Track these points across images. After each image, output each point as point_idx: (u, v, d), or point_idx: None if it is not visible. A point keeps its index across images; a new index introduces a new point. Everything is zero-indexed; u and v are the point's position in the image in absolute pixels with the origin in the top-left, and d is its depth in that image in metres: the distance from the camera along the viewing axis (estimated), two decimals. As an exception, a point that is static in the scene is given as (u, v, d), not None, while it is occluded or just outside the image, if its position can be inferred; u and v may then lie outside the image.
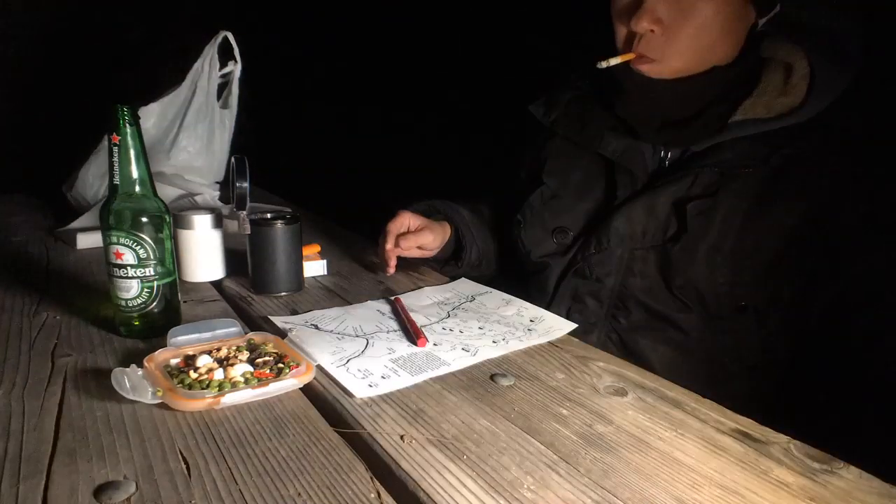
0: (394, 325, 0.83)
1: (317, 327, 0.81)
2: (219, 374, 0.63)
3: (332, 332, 0.80)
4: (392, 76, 2.79)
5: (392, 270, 1.02)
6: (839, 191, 0.78)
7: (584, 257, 0.95)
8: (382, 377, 0.67)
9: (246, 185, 0.96)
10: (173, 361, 0.67)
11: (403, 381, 0.66)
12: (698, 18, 0.80)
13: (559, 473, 0.51)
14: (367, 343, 0.76)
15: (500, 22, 1.92)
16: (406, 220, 1.02)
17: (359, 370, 0.69)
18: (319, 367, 0.69)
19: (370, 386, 0.65)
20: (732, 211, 0.83)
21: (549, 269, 1.00)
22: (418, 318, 0.84)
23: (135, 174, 0.73)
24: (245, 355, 0.68)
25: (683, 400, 0.64)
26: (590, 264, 0.95)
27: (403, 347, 0.75)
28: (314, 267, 1.05)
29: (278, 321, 0.83)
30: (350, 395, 0.64)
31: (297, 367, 0.66)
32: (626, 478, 0.51)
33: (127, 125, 0.71)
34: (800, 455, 0.54)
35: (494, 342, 0.77)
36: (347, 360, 0.71)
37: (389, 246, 1.00)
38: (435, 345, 0.76)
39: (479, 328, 0.82)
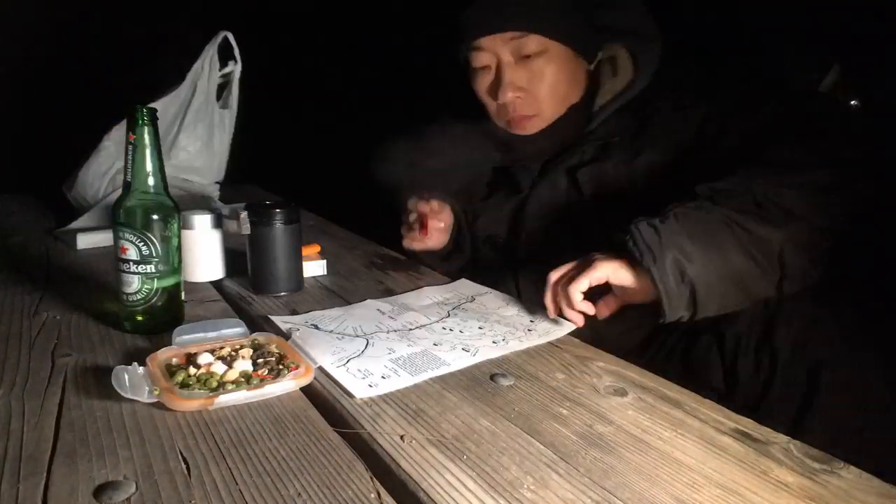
0: (394, 324, 0.82)
1: (317, 327, 0.81)
2: (218, 369, 0.64)
3: (331, 332, 0.80)
4: (393, 75, 2.79)
5: (427, 235, 1.10)
6: (689, 122, 0.95)
7: (512, 249, 1.10)
8: (382, 377, 0.67)
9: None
10: (175, 360, 0.67)
11: (403, 380, 0.66)
12: (548, 78, 1.00)
13: (559, 473, 0.51)
14: (367, 343, 0.76)
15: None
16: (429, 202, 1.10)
17: (359, 370, 0.69)
18: (320, 369, 0.69)
19: (370, 386, 0.65)
20: (617, 169, 0.99)
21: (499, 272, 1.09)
22: (418, 318, 0.84)
23: (148, 172, 0.75)
24: (248, 353, 0.68)
25: (683, 400, 0.64)
26: (517, 254, 1.08)
27: (403, 347, 0.75)
28: (314, 267, 1.05)
29: (279, 321, 0.83)
30: (350, 395, 0.64)
31: (296, 368, 0.66)
32: (626, 478, 0.51)
33: (144, 125, 0.74)
34: (800, 455, 0.54)
35: (494, 342, 0.77)
36: (347, 360, 0.71)
37: (425, 208, 1.09)
38: (435, 344, 0.76)
39: (479, 328, 0.82)
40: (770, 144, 0.82)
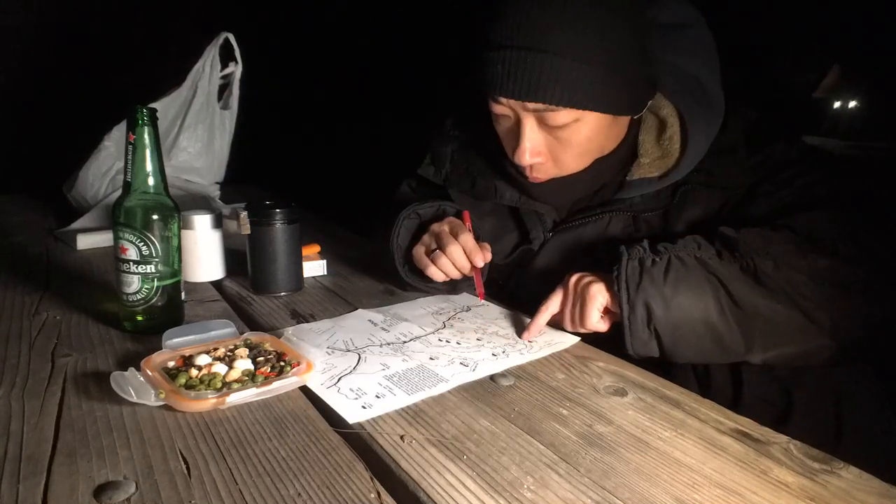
0: (387, 336, 0.79)
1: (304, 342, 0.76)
2: (219, 369, 0.64)
3: (318, 346, 0.75)
4: (392, 75, 2.79)
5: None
6: (726, 199, 0.86)
7: (514, 294, 0.97)
8: (377, 396, 0.63)
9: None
10: (172, 363, 0.67)
11: (399, 400, 0.63)
12: (575, 146, 0.84)
13: (559, 473, 0.51)
14: (359, 358, 0.72)
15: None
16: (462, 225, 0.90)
17: (350, 390, 0.65)
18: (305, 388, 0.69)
19: (364, 407, 0.61)
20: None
21: None
22: (412, 329, 0.82)
23: (148, 172, 0.75)
24: (245, 353, 0.68)
25: (683, 400, 0.64)
26: (518, 297, 0.96)
27: (398, 363, 0.71)
28: (314, 267, 1.05)
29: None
30: (340, 421, 0.59)
31: (299, 364, 0.66)
32: (626, 478, 0.51)
33: (144, 125, 0.74)
34: (800, 455, 0.54)
35: (494, 354, 0.74)
36: (338, 379, 0.67)
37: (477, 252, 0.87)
38: (431, 359, 0.73)
39: (478, 339, 0.79)
40: (799, 213, 0.77)
